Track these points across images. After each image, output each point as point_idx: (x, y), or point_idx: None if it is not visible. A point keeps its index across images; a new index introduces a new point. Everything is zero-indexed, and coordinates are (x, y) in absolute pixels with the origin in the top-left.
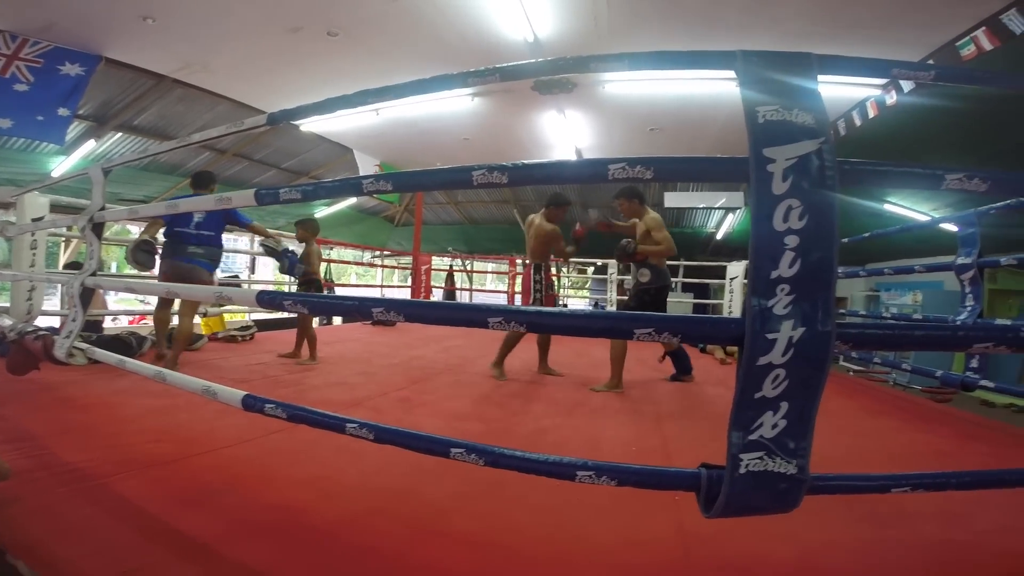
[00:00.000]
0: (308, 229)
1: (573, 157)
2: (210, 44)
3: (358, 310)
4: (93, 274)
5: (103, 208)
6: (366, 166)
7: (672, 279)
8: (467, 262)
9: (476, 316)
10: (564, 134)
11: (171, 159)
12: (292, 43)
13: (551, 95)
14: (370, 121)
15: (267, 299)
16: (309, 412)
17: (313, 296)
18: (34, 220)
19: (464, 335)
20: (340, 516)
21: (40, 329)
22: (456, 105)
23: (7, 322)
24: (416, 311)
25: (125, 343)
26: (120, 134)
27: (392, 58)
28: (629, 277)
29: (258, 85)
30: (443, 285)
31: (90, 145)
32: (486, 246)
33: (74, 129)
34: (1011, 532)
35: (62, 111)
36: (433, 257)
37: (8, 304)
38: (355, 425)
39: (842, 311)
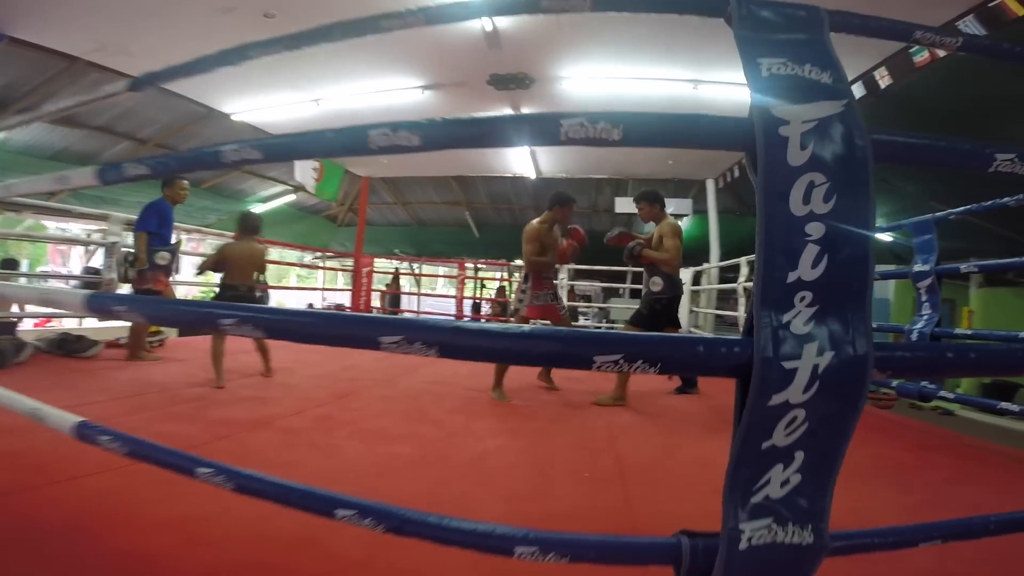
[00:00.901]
0: (241, 225)
1: (528, 159)
2: (130, 24)
3: (204, 320)
4: None
5: None
6: (306, 162)
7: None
8: (415, 265)
9: (363, 332)
10: None
11: (85, 148)
12: (224, 25)
13: (507, 91)
14: (309, 113)
15: (97, 304)
16: (153, 449)
17: (149, 300)
18: None
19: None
20: (207, 570)
21: None
22: (404, 98)
23: None
24: (281, 325)
25: None
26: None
27: (335, 44)
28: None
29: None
30: (387, 288)
31: None
32: (435, 249)
33: None
34: (1007, 561)
35: None
36: (379, 259)
37: None
38: (208, 470)
39: None
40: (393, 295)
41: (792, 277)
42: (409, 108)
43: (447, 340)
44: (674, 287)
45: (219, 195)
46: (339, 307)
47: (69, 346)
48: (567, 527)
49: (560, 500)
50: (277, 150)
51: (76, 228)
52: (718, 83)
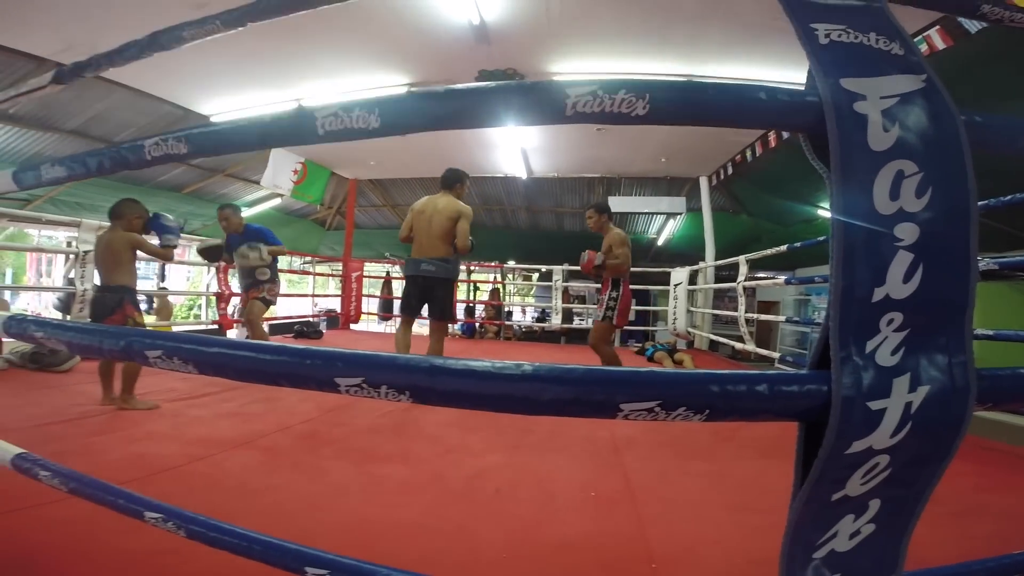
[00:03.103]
0: (116, 212)
1: (519, 158)
2: (99, 23)
3: (126, 351)
4: None
5: None
6: (284, 164)
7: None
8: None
9: (314, 373)
10: (509, 133)
11: (57, 152)
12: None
13: None
14: None
15: (14, 328)
16: (96, 488)
17: (69, 325)
18: None
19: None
20: None
21: None
22: None
23: None
24: (214, 359)
25: None
26: None
27: (316, 38)
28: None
29: (158, 70)
30: (379, 294)
31: None
32: None
33: None
34: None
35: None
36: (370, 263)
37: None
38: (157, 515)
39: (796, 319)
40: (385, 300)
41: (879, 295)
42: None
43: (421, 383)
44: (447, 271)
45: (202, 199)
46: (330, 312)
47: (43, 359)
48: (577, 557)
49: (567, 525)
50: (206, 141)
51: (62, 236)
52: (716, 78)
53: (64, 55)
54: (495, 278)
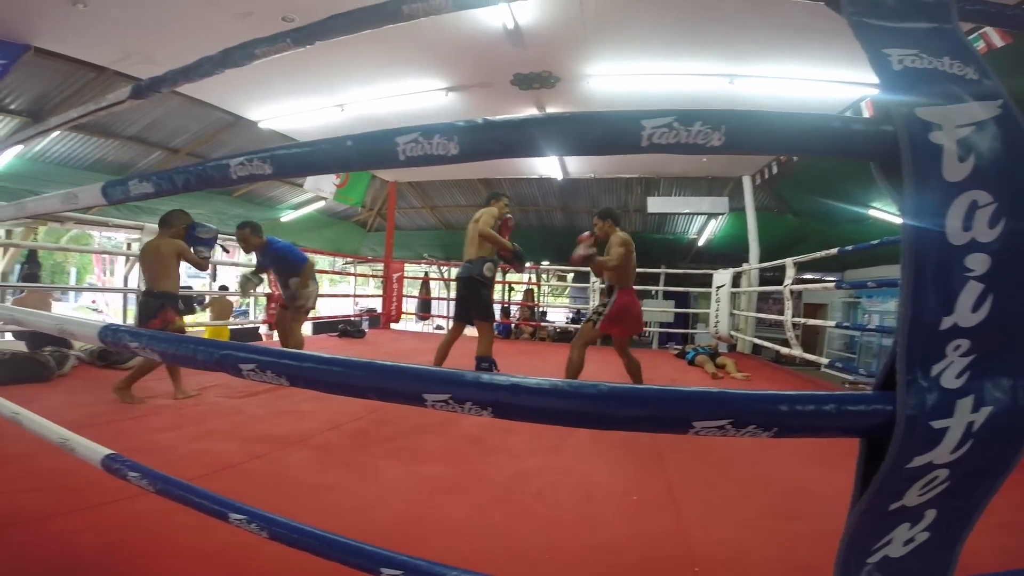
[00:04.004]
0: (168, 221)
1: (555, 159)
2: (152, 32)
3: (221, 363)
4: None
5: None
6: None
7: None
8: (444, 269)
9: (402, 388)
10: None
11: (119, 158)
12: (243, 31)
13: (531, 90)
14: (335, 119)
15: (110, 337)
16: (182, 489)
17: (164, 336)
18: None
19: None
20: None
21: None
22: (428, 101)
23: None
24: (305, 373)
25: (40, 363)
26: (57, 131)
27: (357, 47)
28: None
29: (212, 78)
30: (418, 294)
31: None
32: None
33: (6, 125)
34: None
35: None
36: (409, 264)
37: None
38: (241, 517)
39: (847, 324)
40: (423, 301)
41: (947, 324)
42: (433, 112)
43: (504, 400)
44: (469, 270)
45: (251, 203)
46: (371, 312)
47: (110, 357)
48: (618, 559)
49: (608, 528)
50: (290, 163)
51: (120, 237)
52: (756, 77)
53: (121, 64)
54: (530, 279)
